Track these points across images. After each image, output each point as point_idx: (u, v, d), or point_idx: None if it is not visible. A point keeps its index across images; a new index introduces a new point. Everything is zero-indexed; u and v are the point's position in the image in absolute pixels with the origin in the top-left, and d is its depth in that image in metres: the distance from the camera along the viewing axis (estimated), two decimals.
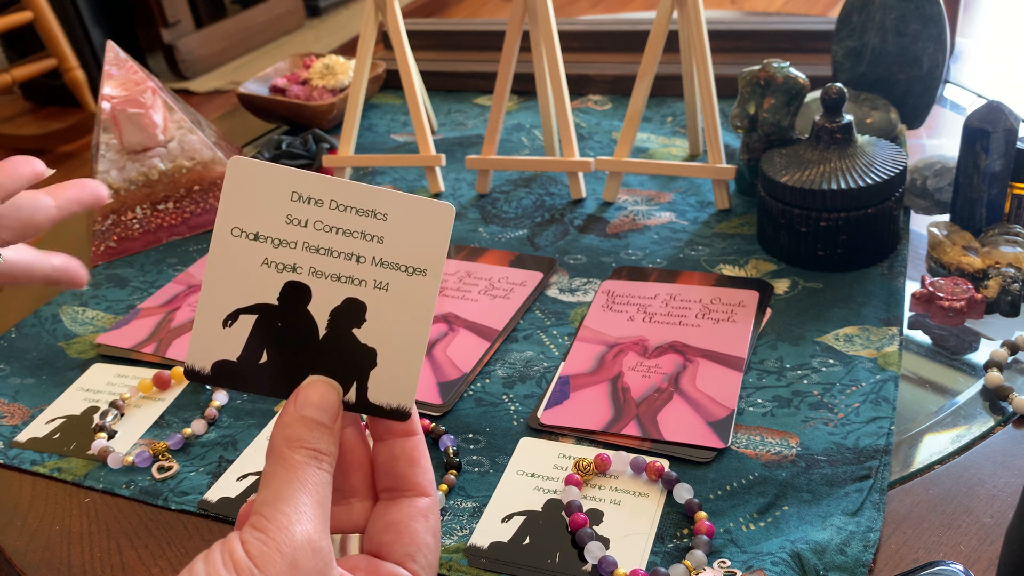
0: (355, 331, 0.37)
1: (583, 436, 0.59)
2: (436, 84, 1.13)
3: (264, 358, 0.37)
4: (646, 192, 0.87)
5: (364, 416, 0.39)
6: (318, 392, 0.36)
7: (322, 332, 0.37)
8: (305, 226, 0.37)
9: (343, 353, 0.37)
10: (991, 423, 0.57)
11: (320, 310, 0.37)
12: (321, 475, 0.35)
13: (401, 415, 0.37)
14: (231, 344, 0.37)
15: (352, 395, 0.37)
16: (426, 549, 0.37)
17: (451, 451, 0.58)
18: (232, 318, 0.37)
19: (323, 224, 0.37)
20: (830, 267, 0.71)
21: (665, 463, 0.55)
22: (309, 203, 0.37)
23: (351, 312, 0.37)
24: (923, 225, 0.74)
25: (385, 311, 0.37)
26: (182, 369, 0.67)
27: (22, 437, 0.65)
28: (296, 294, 0.37)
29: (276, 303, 0.37)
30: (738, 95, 0.78)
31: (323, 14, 3.17)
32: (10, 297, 0.82)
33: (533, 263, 0.77)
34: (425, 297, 0.37)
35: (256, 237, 0.37)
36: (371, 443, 0.40)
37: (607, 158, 0.85)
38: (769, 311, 0.68)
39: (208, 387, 0.67)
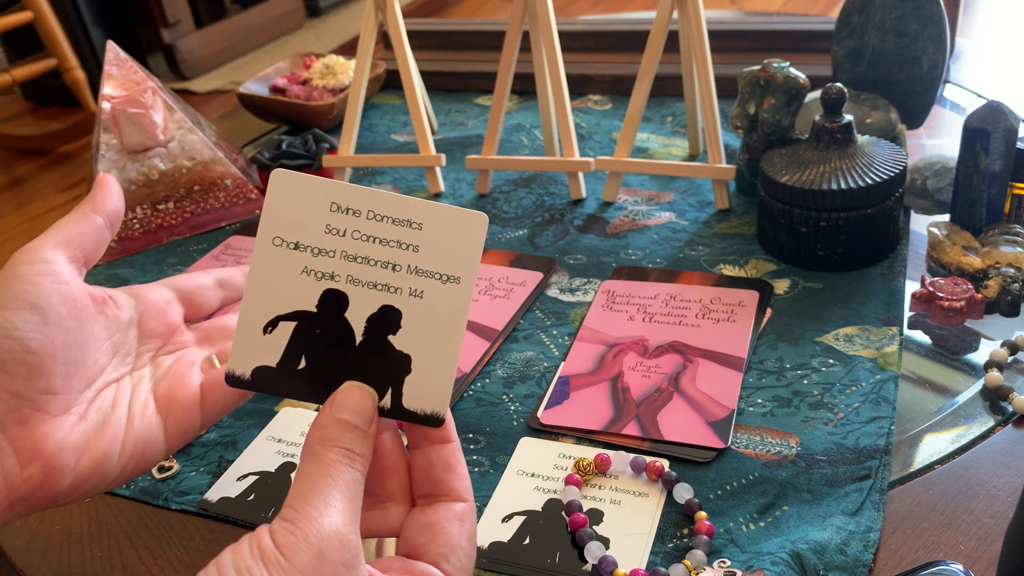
0: (391, 338, 0.38)
1: (583, 436, 0.59)
2: (436, 84, 1.13)
3: (302, 364, 0.38)
4: (646, 192, 0.87)
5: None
6: (354, 397, 0.37)
7: (358, 339, 0.38)
8: (343, 235, 0.38)
9: (379, 359, 0.38)
10: (991, 423, 0.57)
11: (357, 317, 0.38)
12: (353, 473, 0.35)
13: (435, 421, 0.38)
14: (271, 350, 0.38)
15: (387, 401, 0.38)
16: (460, 551, 0.37)
17: None
18: (272, 325, 0.38)
19: (360, 233, 0.38)
20: (830, 267, 0.71)
21: (665, 463, 0.55)
22: (347, 213, 0.38)
23: (387, 319, 0.38)
24: (923, 225, 0.74)
25: (420, 318, 0.38)
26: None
27: None
28: (334, 302, 0.38)
29: (315, 310, 0.38)
30: (738, 95, 0.78)
31: (323, 14, 3.17)
32: None
33: (533, 263, 0.77)
34: (459, 304, 0.38)
35: (296, 246, 0.38)
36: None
37: (607, 158, 0.85)
38: (769, 311, 0.68)
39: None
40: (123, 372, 0.45)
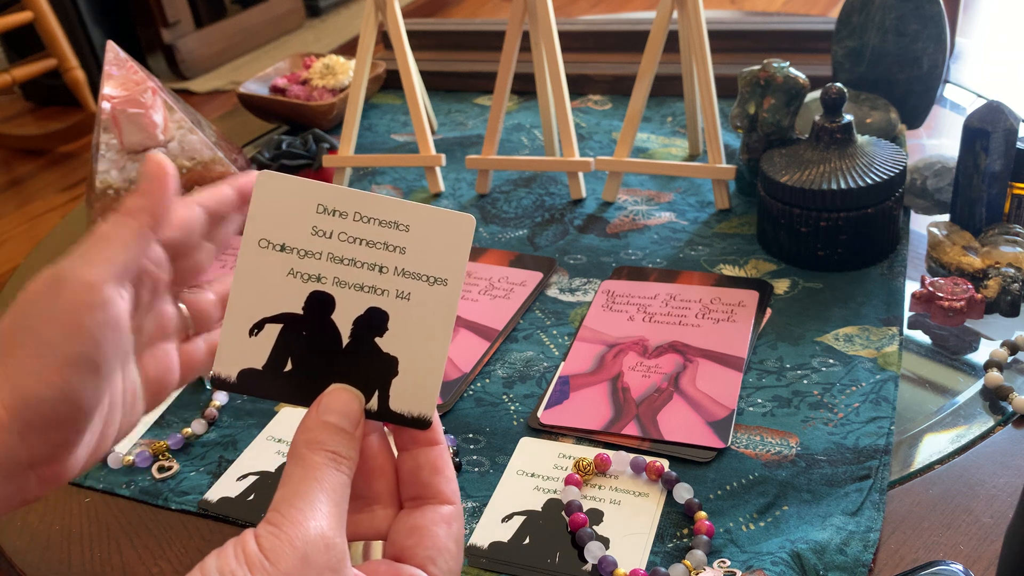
0: (377, 340, 0.38)
1: (583, 436, 0.59)
2: (436, 84, 1.13)
3: (289, 366, 0.38)
4: (646, 192, 0.87)
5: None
6: (340, 400, 0.37)
7: (345, 341, 0.38)
8: (330, 237, 0.38)
9: (365, 362, 0.38)
10: (991, 423, 0.57)
11: (343, 319, 0.38)
12: (339, 476, 0.35)
13: (422, 423, 0.38)
14: (257, 353, 0.38)
15: (374, 403, 0.38)
16: (447, 554, 0.37)
17: (451, 451, 0.58)
18: (258, 327, 0.38)
19: (347, 235, 0.38)
20: (830, 267, 0.71)
21: (665, 463, 0.55)
22: (334, 215, 0.38)
23: (374, 321, 0.38)
24: (923, 225, 0.74)
25: (407, 320, 0.38)
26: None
27: None
28: (320, 304, 0.38)
29: (301, 312, 0.38)
30: (738, 95, 0.78)
31: (323, 14, 3.17)
32: (8, 295, 0.82)
33: (533, 263, 0.77)
34: (446, 306, 0.38)
35: (282, 248, 0.38)
36: (395, 452, 0.40)
37: (607, 158, 0.85)
38: (769, 311, 0.68)
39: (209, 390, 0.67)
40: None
